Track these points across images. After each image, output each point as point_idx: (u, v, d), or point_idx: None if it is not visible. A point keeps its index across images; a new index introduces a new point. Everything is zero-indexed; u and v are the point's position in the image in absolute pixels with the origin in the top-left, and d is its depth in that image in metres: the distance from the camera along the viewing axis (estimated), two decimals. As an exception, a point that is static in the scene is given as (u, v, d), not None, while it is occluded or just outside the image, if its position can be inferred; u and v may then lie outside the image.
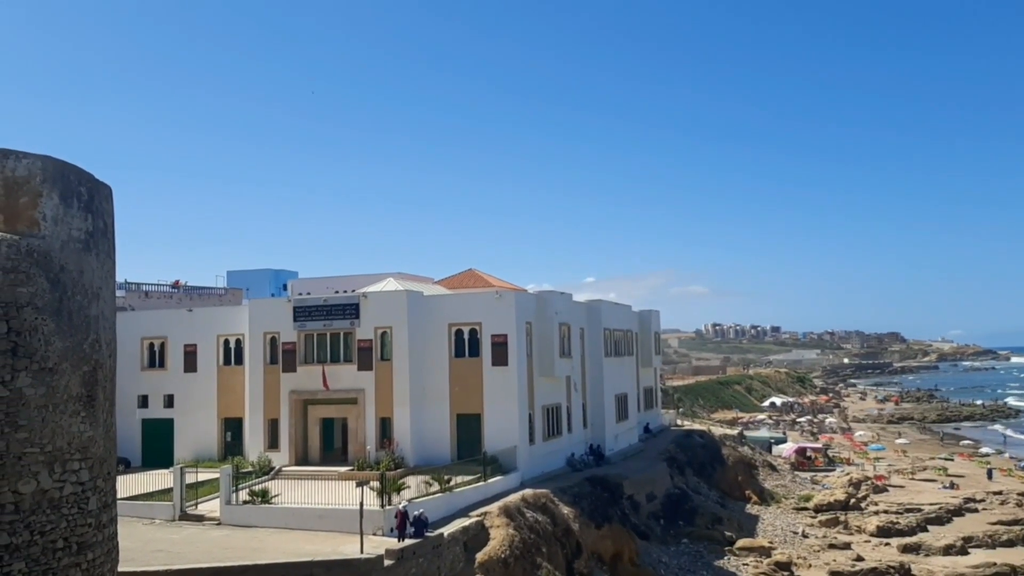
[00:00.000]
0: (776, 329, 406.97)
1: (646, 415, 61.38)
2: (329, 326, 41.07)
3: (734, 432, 73.44)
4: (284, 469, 39.25)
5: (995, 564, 43.08)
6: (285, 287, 68.10)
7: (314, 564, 25.17)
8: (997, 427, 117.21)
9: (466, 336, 40.22)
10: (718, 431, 69.76)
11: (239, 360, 44.35)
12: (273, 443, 41.67)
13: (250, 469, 38.21)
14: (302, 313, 41.56)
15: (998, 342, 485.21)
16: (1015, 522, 52.27)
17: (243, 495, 32.16)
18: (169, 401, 45.96)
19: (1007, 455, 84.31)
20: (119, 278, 54.81)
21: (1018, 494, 60.98)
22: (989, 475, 71.08)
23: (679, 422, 72.57)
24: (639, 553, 38.39)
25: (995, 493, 61.36)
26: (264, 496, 31.84)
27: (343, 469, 38.04)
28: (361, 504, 27.40)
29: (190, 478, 33.62)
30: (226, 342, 45.21)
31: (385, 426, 39.83)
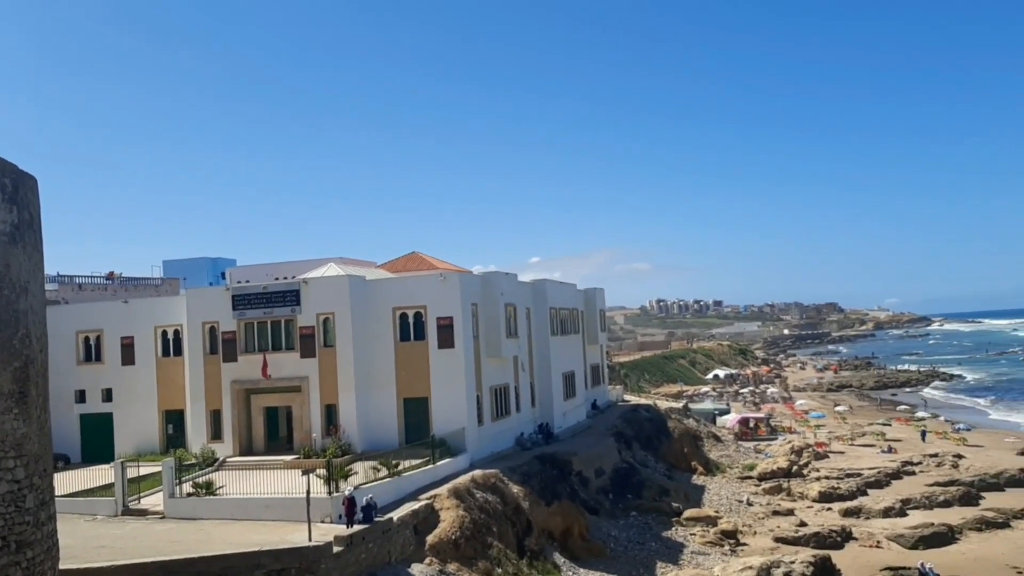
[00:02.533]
0: (718, 303, 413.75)
1: (593, 392, 61.91)
2: (270, 314, 40.48)
3: (679, 405, 74.54)
4: (228, 460, 38.70)
5: (932, 524, 44.47)
6: (223, 276, 66.92)
7: (262, 554, 24.89)
8: (924, 392, 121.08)
9: (411, 320, 40.00)
10: (664, 405, 70.73)
11: (178, 351, 43.54)
12: (216, 434, 41.06)
13: (193, 461, 37.59)
14: (241, 301, 40.88)
15: (932, 309, 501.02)
16: (951, 483, 54.04)
17: (187, 487, 31.68)
18: (107, 395, 44.94)
19: (942, 418, 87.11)
20: (51, 271, 53.50)
21: (953, 456, 63.10)
22: (923, 436, 73.61)
23: (626, 397, 73.40)
24: (589, 528, 38.79)
25: (931, 456, 63.39)
26: (209, 488, 31.38)
27: (289, 458, 37.65)
28: (308, 492, 27.14)
29: (132, 472, 33.02)
30: (164, 333, 44.33)
31: (331, 413, 39.50)
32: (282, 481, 30.82)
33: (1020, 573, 38.25)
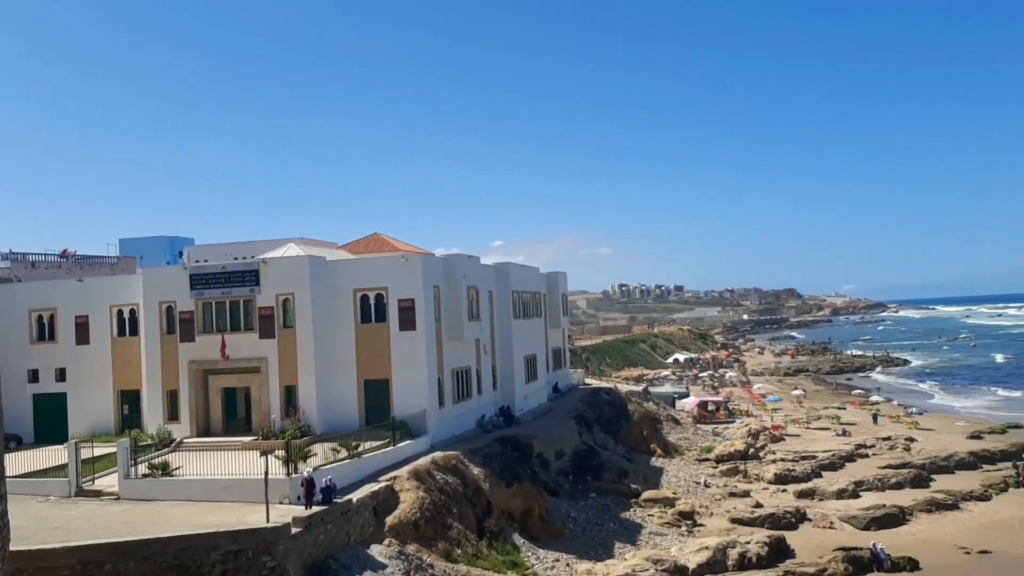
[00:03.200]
0: (679, 288, 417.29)
1: (555, 375, 62.16)
2: (228, 294, 40.00)
3: (639, 389, 75.09)
4: (185, 441, 38.28)
5: (884, 506, 45.41)
6: (181, 254, 66.01)
7: (219, 535, 24.65)
8: (877, 376, 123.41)
9: (372, 301, 39.74)
10: (624, 388, 71.23)
11: (134, 331, 42.87)
12: (173, 415, 40.57)
13: (149, 442, 37.10)
14: (199, 281, 40.32)
15: (888, 296, 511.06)
16: (903, 465, 55.19)
17: (142, 468, 31.21)
18: (61, 375, 44.17)
19: (895, 402, 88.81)
20: (3, 248, 52.34)
21: (905, 439, 64.42)
22: (875, 420, 75.12)
23: (587, 381, 73.80)
24: (548, 509, 39.01)
25: (884, 439, 64.63)
26: (165, 469, 30.96)
27: (247, 439, 37.33)
28: (266, 473, 26.93)
29: (86, 453, 32.43)
30: (120, 312, 43.61)
31: (290, 394, 39.21)
32: (240, 462, 30.57)
33: (967, 553, 39.23)
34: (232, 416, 41.47)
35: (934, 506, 46.44)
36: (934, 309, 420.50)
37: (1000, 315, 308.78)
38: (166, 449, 36.38)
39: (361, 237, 51.78)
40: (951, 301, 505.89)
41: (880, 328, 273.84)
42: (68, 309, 44.12)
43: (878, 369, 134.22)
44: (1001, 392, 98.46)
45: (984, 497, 48.74)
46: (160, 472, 30.83)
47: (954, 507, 46.65)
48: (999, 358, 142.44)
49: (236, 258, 44.83)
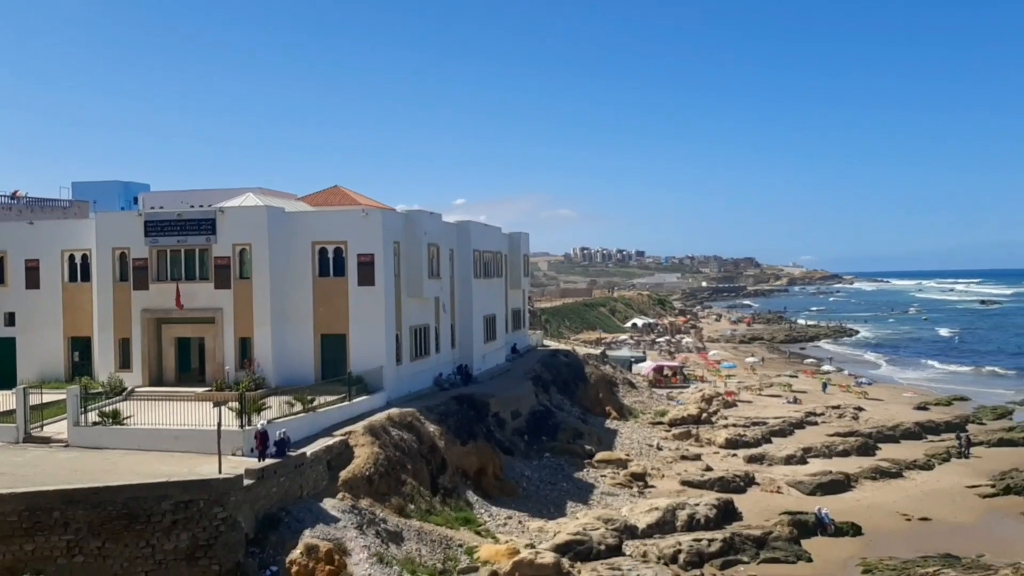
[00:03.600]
0: (641, 253, 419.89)
1: (514, 336, 62.26)
2: (184, 242, 39.24)
3: (597, 352, 75.63)
4: (137, 390, 37.71)
5: (831, 472, 46.43)
6: (136, 200, 64.37)
7: (169, 484, 24.48)
8: (829, 346, 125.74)
9: (331, 255, 39.25)
10: (582, 351, 71.67)
11: (86, 277, 41.97)
12: (125, 363, 39.93)
13: (100, 390, 36.47)
14: (154, 228, 39.48)
15: (844, 267, 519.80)
16: (850, 434, 56.40)
17: (93, 416, 30.80)
18: (10, 319, 43.20)
19: (846, 372, 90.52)
20: (-52, 188, 50.60)
21: (854, 408, 65.79)
22: (824, 388, 76.70)
23: (546, 342, 74.09)
24: (503, 467, 39.27)
25: (834, 408, 65.94)
26: (115, 417, 30.60)
27: (200, 390, 36.90)
28: (219, 424, 26.73)
29: (35, 399, 31.88)
30: (71, 257, 42.64)
31: (245, 346, 38.73)
32: (193, 413, 30.21)
33: (908, 520, 40.34)
34: (185, 366, 40.94)
35: (878, 474, 47.59)
36: (887, 282, 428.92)
37: (951, 290, 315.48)
38: (117, 397, 35.82)
39: (321, 189, 51.03)
40: (903, 275, 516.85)
41: (833, 299, 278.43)
42: (18, 252, 43.02)
43: (830, 339, 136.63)
44: (946, 366, 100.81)
45: (927, 466, 50.07)
46: (111, 420, 30.45)
47: (898, 475, 47.85)
48: (946, 332, 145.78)
49: (192, 206, 43.86)
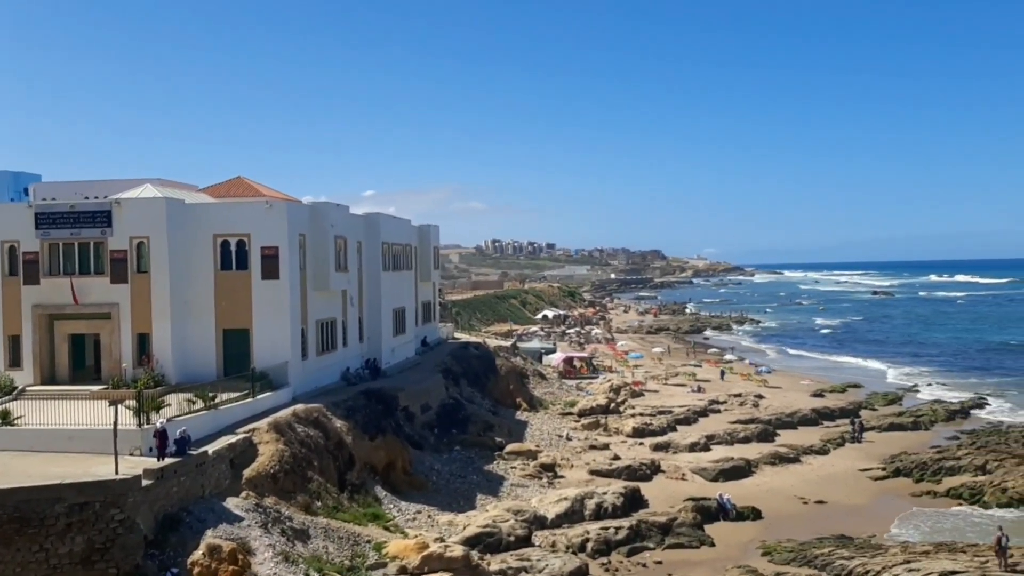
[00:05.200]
0: (551, 246, 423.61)
1: (424, 328, 61.96)
2: (77, 235, 37.64)
3: (508, 344, 75.97)
4: (28, 389, 36.09)
5: (732, 458, 47.84)
6: (26, 192, 61.56)
7: (64, 487, 23.54)
8: (731, 336, 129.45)
9: (233, 248, 38.24)
10: (493, 343, 71.88)
11: (-28, 271, 39.85)
12: (15, 361, 38.11)
13: (-12, 390, 34.76)
14: (45, 220, 37.75)
15: (746, 260, 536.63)
16: (751, 421, 58.21)
17: (-21, 418, 29.27)
18: None
19: (747, 361, 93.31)
20: None
21: (755, 396, 67.87)
22: (722, 375, 79.00)
23: (456, 335, 73.99)
24: (412, 462, 39.10)
25: (736, 395, 67.93)
26: (5, 418, 29.20)
27: (96, 388, 35.52)
28: (115, 423, 25.77)
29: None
30: (-44, 251, 40.40)
31: (143, 342, 37.44)
32: (88, 412, 29.04)
33: (805, 503, 41.88)
34: (80, 364, 39.32)
35: (777, 459, 49.27)
36: (784, 273, 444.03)
37: (845, 281, 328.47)
38: (7, 397, 34.22)
39: (223, 181, 49.61)
40: (799, 267, 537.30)
41: (734, 290, 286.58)
42: None
43: (732, 329, 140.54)
44: (840, 354, 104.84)
45: (823, 451, 52.09)
46: (0, 421, 29.01)
47: (795, 460, 49.64)
48: (841, 321, 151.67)
49: (87, 197, 42.13)
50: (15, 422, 29.16)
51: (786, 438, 55.10)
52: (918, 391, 74.99)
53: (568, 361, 79.82)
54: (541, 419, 56.53)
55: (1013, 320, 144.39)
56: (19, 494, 23.04)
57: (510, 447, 46.16)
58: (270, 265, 37.92)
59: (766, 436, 55.06)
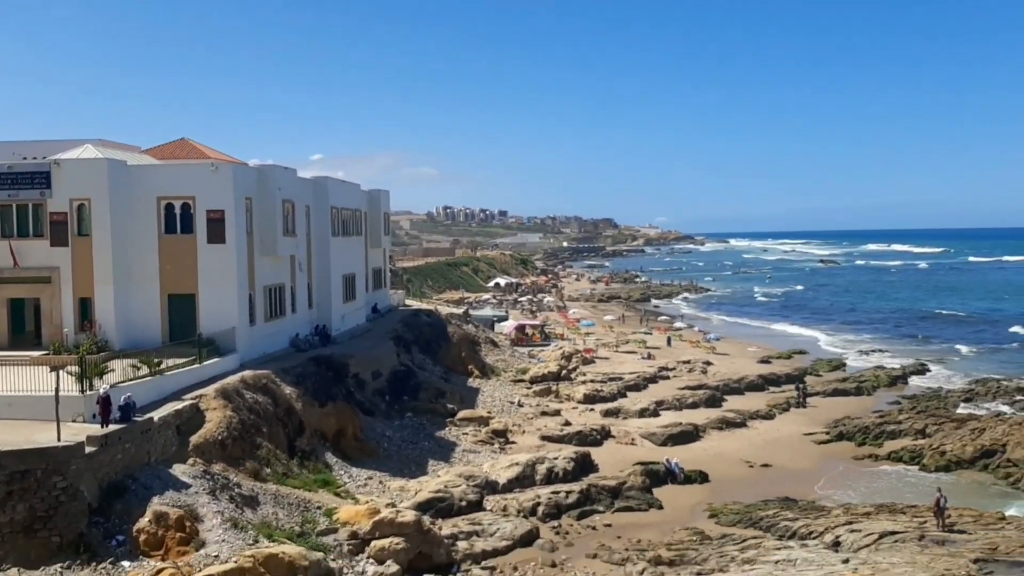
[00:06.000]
0: (503, 213, 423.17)
1: (374, 295, 61.47)
2: (15, 196, 36.39)
3: (460, 311, 75.78)
4: (-36, 355, 34.95)
5: (680, 424, 48.50)
6: (-40, 152, 59.33)
7: (3, 454, 22.94)
8: (680, 304, 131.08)
9: (178, 211, 37.33)
10: (445, 310, 71.60)
11: (-98, 234, 38.38)
12: (-50, 327, 36.92)
13: (-79, 356, 33.56)
14: (-19, 181, 36.41)
15: (696, 228, 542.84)
16: (699, 387, 58.93)
17: (-89, 385, 28.27)
18: None
19: (696, 328, 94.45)
20: None
21: (703, 363, 68.76)
22: (668, 342, 79.94)
23: (408, 302, 73.59)
24: (363, 428, 38.91)
25: (685, 362, 68.70)
26: (-61, 385, 28.21)
27: (36, 354, 34.46)
28: (56, 389, 25.12)
29: None
30: None
31: (85, 307, 36.48)
32: (28, 378, 28.14)
33: (751, 467, 42.67)
34: (19, 329, 38.23)
35: (725, 424, 50.08)
36: (730, 242, 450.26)
37: (792, 250, 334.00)
38: (-59, 364, 33.10)
39: (167, 142, 48.34)
40: (748, 235, 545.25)
41: (684, 259, 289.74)
42: None
43: (682, 297, 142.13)
44: (788, 321, 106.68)
45: (769, 416, 53.06)
46: (-67, 388, 28.06)
47: (742, 425, 50.50)
48: (784, 289, 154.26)
49: (25, 158, 40.64)
50: (-49, 389, 28.23)
51: (733, 403, 56.00)
52: (861, 357, 76.71)
53: (520, 328, 79.95)
54: (493, 386, 56.64)
55: (944, 289, 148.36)
56: (-44, 462, 22.41)
57: (462, 414, 46.18)
58: (216, 229, 37.11)
59: (714, 402, 55.89)
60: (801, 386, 59.17)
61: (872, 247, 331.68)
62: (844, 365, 71.83)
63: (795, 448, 46.18)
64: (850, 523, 31.67)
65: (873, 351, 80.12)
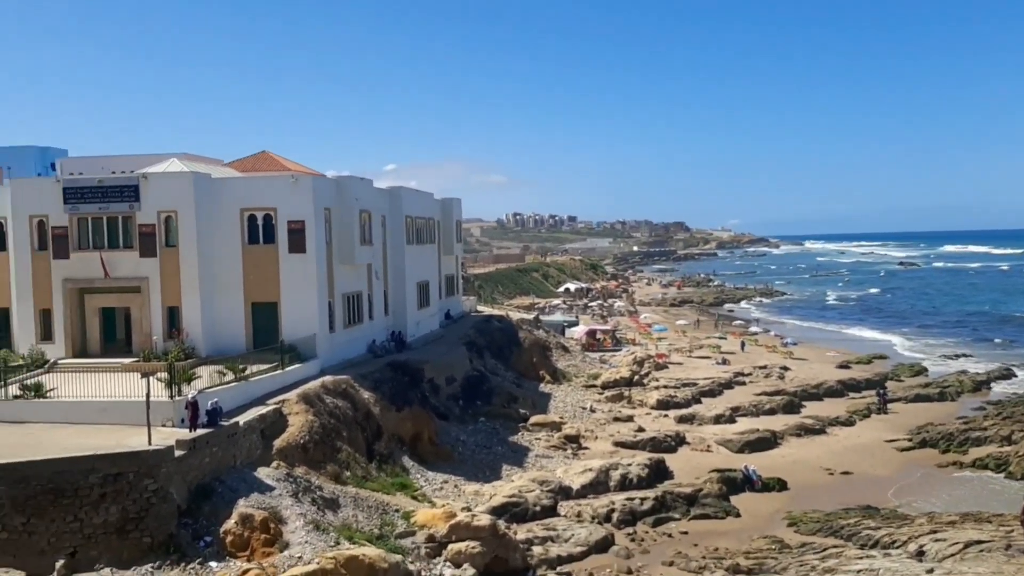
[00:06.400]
0: (573, 218, 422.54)
1: (447, 302, 62.17)
2: (106, 209, 37.96)
3: (531, 317, 76.05)
4: (60, 362, 36.63)
5: (758, 430, 47.79)
6: (53, 166, 62.00)
7: (97, 458, 23.93)
8: (755, 308, 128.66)
9: (260, 221, 38.45)
10: (516, 316, 71.99)
11: (2, 246, 40.36)
12: (47, 335, 38.62)
13: (21, 363, 35.31)
14: (74, 195, 38.09)
15: (770, 231, 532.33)
16: (776, 393, 58.04)
17: (13, 390, 29.82)
18: (-79, 290, 41.30)
19: (772, 333, 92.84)
20: None
21: (780, 368, 67.65)
22: (742, 347, 78.66)
23: (479, 308, 74.17)
24: (438, 433, 39.40)
25: (761, 367, 67.71)
26: (38, 390, 29.67)
27: (127, 361, 35.96)
28: (148, 394, 26.13)
29: (-50, 374, 30.70)
30: (-14, 226, 40.97)
31: (173, 315, 37.84)
32: (120, 384, 29.44)
33: (831, 474, 41.84)
34: (111, 337, 39.84)
35: (803, 431, 49.19)
36: (804, 244, 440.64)
37: (870, 253, 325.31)
38: (39, 370, 34.77)
39: (249, 155, 49.84)
40: (824, 237, 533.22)
41: (758, 262, 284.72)
42: (-73, 221, 41.15)
43: (757, 301, 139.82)
44: (868, 325, 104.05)
45: (849, 422, 51.92)
46: (33, 393, 29.52)
47: (821, 432, 49.53)
48: (862, 292, 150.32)
49: (114, 172, 42.31)
50: (48, 395, 29.63)
51: (812, 409, 54.97)
52: (943, 362, 74.44)
53: (591, 334, 79.79)
54: (564, 391, 56.69)
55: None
56: (53, 465, 23.41)
57: (534, 419, 46.38)
58: (296, 239, 38.15)
59: (792, 408, 54.94)
60: (882, 391, 57.73)
61: (950, 248, 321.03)
62: (926, 370, 69.76)
63: (876, 455, 45.10)
64: (934, 532, 30.81)
65: (956, 356, 77.68)
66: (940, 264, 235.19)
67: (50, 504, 23.03)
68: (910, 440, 47.52)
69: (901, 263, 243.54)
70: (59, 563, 22.53)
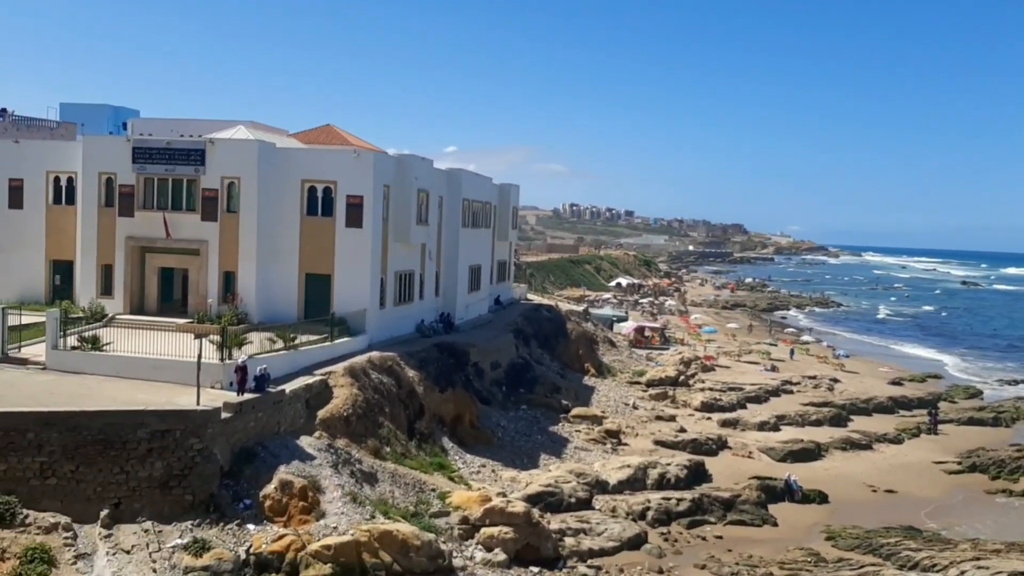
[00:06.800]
0: (630, 213, 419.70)
1: (498, 287, 62.26)
2: (172, 171, 38.73)
3: (580, 309, 75.80)
4: (118, 317, 37.43)
5: (802, 441, 47.05)
6: (124, 126, 63.37)
7: (147, 413, 24.52)
8: (809, 317, 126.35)
9: (320, 194, 38.89)
10: (565, 307, 71.81)
11: (70, 200, 41.50)
12: (107, 290, 39.64)
13: (80, 315, 36.22)
14: (142, 155, 38.92)
15: (830, 239, 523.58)
16: (824, 404, 57.08)
17: (72, 341, 30.63)
18: (-10, 238, 42.71)
19: (824, 343, 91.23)
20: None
21: (830, 379, 66.47)
22: (791, 355, 77.37)
23: (529, 296, 74.15)
24: (479, 416, 39.57)
25: (810, 377, 66.59)
26: (95, 343, 30.45)
27: (182, 321, 36.67)
28: (199, 356, 26.65)
29: (13, 320, 31.66)
30: (57, 179, 42.12)
31: (229, 280, 38.49)
32: (173, 343, 30.08)
33: (874, 491, 41.04)
34: (168, 297, 40.74)
35: (849, 445, 48.32)
36: (867, 256, 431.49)
37: (933, 269, 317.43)
38: (97, 323, 35.58)
39: (313, 127, 50.37)
40: (886, 251, 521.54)
41: (816, 270, 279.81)
42: (2, 171, 42.41)
43: (809, 310, 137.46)
44: (923, 344, 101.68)
45: (897, 440, 50.86)
46: (90, 346, 30.30)
47: (867, 447, 48.60)
48: (926, 309, 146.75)
49: (182, 135, 43.12)
50: (104, 348, 30.39)
51: (860, 424, 53.95)
52: (1001, 387, 72.43)
53: (640, 330, 79.26)
54: (608, 386, 56.45)
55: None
56: (104, 416, 24.04)
57: (576, 410, 46.27)
58: (354, 213, 38.51)
59: (839, 420, 53.99)
60: (934, 412, 56.39)
61: (1013, 271, 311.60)
62: (981, 393, 67.95)
63: (923, 476, 44.12)
64: (977, 559, 30.06)
65: (1015, 381, 75.49)
66: (1001, 286, 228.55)
67: (99, 454, 23.65)
68: (959, 463, 46.37)
69: (964, 282, 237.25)
70: (103, 512, 23.16)
